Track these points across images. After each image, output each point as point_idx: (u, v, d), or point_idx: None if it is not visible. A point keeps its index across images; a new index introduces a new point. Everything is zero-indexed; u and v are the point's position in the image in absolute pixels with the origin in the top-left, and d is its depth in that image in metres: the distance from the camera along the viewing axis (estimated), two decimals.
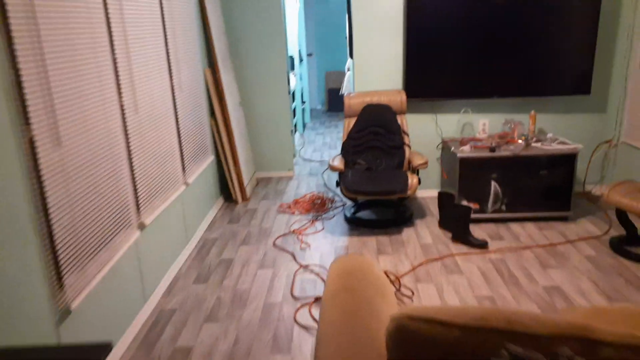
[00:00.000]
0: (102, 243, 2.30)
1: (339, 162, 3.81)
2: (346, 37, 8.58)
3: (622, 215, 3.31)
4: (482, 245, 3.40)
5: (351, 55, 4.65)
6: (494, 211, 3.83)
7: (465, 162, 3.75)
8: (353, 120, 4.15)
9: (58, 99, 1.98)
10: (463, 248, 3.44)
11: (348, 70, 6.44)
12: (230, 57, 5.03)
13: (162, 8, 3.19)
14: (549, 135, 3.89)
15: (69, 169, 2.04)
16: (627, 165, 4.05)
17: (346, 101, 4.13)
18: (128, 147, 2.62)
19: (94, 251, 2.23)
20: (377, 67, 4.25)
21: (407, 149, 4.04)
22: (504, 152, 3.71)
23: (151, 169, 2.91)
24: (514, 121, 4.03)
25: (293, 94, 6.94)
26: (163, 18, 3.20)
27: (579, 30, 3.87)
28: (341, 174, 3.84)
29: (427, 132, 4.37)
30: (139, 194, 2.73)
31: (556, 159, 3.69)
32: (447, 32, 3.98)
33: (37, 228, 1.88)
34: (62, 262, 1.99)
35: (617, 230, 3.59)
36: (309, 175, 5.37)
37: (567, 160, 3.69)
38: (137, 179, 2.70)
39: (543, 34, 3.91)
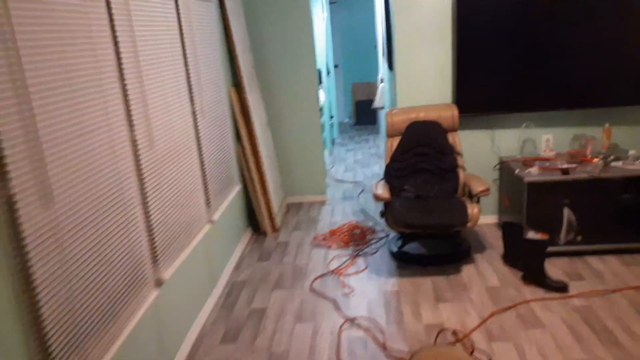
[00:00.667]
0: (110, 316, 1.85)
1: (383, 190, 3.31)
2: (375, 47, 8.11)
3: None
4: (562, 288, 2.85)
5: (390, 67, 4.17)
6: (568, 243, 3.27)
7: (534, 187, 3.21)
8: (397, 140, 3.65)
9: (47, 142, 1.55)
10: (538, 291, 2.89)
11: (381, 82, 5.96)
12: (256, 74, 4.61)
13: (180, 23, 2.77)
14: (632, 152, 3.32)
15: (64, 230, 1.60)
16: None
17: (388, 119, 3.64)
18: (142, 190, 2.19)
19: (99, 329, 1.78)
20: (422, 79, 3.75)
21: (461, 172, 3.52)
22: (580, 174, 3.16)
23: (171, 212, 2.46)
24: (585, 136, 3.47)
25: (321, 109, 6.49)
26: (182, 34, 2.78)
27: None
28: (387, 204, 3.34)
29: (481, 151, 3.85)
30: (156, 245, 2.28)
31: None
32: (503, 36, 3.46)
33: (22, 313, 1.44)
34: (55, 353, 1.54)
35: None
36: (343, 200, 4.89)
37: None
38: (154, 227, 2.26)
39: (615, 34, 3.36)
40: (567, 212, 3.23)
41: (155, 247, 2.27)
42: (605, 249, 3.25)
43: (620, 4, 3.30)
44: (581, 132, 3.70)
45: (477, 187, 3.20)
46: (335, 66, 8.92)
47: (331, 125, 7.58)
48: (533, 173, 3.25)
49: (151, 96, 2.32)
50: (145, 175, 2.20)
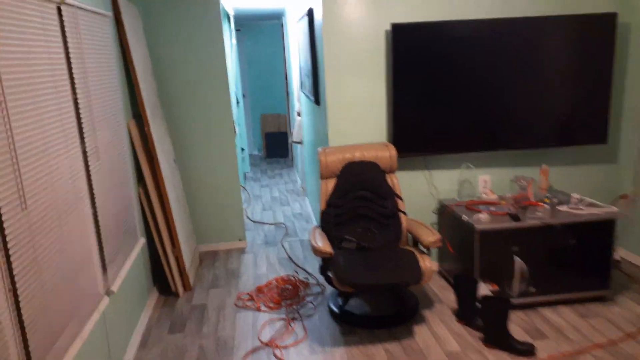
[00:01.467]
0: None
1: (323, 243, 2.84)
2: (285, 77, 7.76)
3: None
4: (529, 351, 2.56)
5: (317, 101, 3.77)
6: (521, 294, 3.04)
7: (485, 235, 2.94)
8: (332, 182, 3.22)
9: None
10: (503, 356, 2.57)
11: (299, 115, 5.57)
12: (160, 104, 3.96)
13: (65, 39, 2.10)
14: (575, 195, 3.20)
15: None
16: None
17: (322, 159, 3.20)
18: (10, 272, 1.48)
19: None
20: (355, 115, 3.39)
21: (403, 218, 3.17)
22: (531, 220, 2.95)
23: (51, 297, 1.76)
24: (526, 178, 3.32)
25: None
26: (67, 54, 2.12)
27: (592, 72, 3.28)
28: (328, 259, 2.86)
29: (418, 193, 3.55)
30: (31, 350, 1.57)
31: (590, 225, 3.00)
32: (442, 74, 3.23)
33: None
34: None
35: None
36: (266, 245, 4.33)
37: (604, 227, 3.01)
38: (27, 324, 1.55)
39: (552, 76, 3.28)
40: (518, 261, 3.00)
41: (30, 352, 1.56)
42: (557, 300, 3.06)
43: (550, 50, 3.22)
44: (518, 172, 3.56)
45: (426, 238, 2.85)
46: (243, 96, 8.42)
47: (242, 159, 7.01)
48: (483, 220, 2.99)
49: (22, 137, 1.64)
50: (13, 250, 1.50)
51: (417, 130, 3.31)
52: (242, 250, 4.24)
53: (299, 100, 5.51)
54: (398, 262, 2.78)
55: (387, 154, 3.23)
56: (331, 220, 3.14)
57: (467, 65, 3.22)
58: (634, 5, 3.37)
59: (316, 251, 2.79)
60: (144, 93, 3.27)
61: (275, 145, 8.55)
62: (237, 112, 7.15)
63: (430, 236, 2.86)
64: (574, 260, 3.05)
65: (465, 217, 3.05)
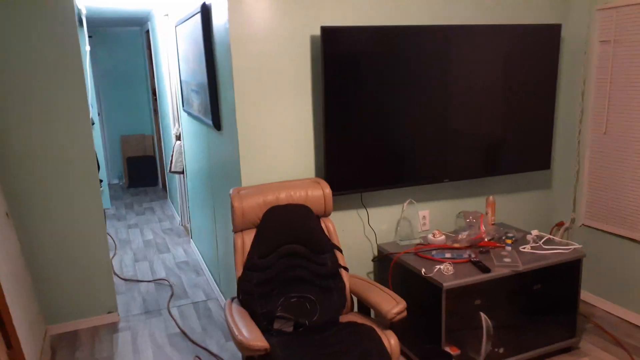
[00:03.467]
0: None
1: (251, 332, 1.97)
2: (154, 92, 6.59)
3: None
4: None
5: (217, 126, 2.89)
6: (488, 357, 2.50)
7: (451, 293, 2.35)
8: (250, 236, 2.38)
9: None
10: None
11: (177, 139, 4.57)
12: None
13: None
14: (535, 232, 2.80)
15: None
16: (591, 252, 3.23)
17: (236, 204, 2.34)
18: None
19: None
20: (274, 144, 2.59)
21: (345, 276, 2.45)
22: (501, 268, 2.44)
23: None
24: (476, 213, 2.84)
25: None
26: None
27: (537, 91, 2.95)
28: (263, 356, 2.00)
29: (354, 238, 2.86)
30: None
31: (556, 267, 2.60)
32: (380, 91, 2.60)
33: None
34: None
35: None
36: (147, 315, 3.27)
37: (570, 268, 2.63)
38: None
39: (497, 98, 2.86)
40: (484, 318, 2.47)
41: None
42: (528, 358, 2.59)
43: (496, 67, 2.81)
44: (457, 205, 3.08)
45: (388, 307, 2.14)
46: (98, 114, 7.02)
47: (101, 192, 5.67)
48: (446, 273, 2.40)
49: None
50: None
51: (355, 161, 2.63)
52: (114, 327, 3.13)
53: (179, 120, 4.51)
54: (360, 348, 2.03)
55: (319, 193, 2.49)
56: (253, 290, 2.29)
57: (411, 80, 2.64)
58: (571, 18, 3.14)
59: (244, 348, 1.91)
60: None
61: (141, 172, 7.27)
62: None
63: (392, 305, 2.16)
64: (539, 309, 2.62)
65: (425, 272, 2.43)
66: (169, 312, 3.31)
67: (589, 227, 3.19)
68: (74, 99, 2.92)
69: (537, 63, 2.90)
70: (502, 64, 2.82)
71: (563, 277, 2.63)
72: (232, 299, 2.32)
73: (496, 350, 2.52)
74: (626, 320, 2.98)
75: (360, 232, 2.87)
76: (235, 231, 2.38)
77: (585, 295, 3.27)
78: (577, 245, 2.64)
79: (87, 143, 3.00)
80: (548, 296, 2.64)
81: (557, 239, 2.78)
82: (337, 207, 2.78)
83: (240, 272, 2.33)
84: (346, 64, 2.49)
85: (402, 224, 2.94)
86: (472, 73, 2.77)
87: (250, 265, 2.32)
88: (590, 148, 3.11)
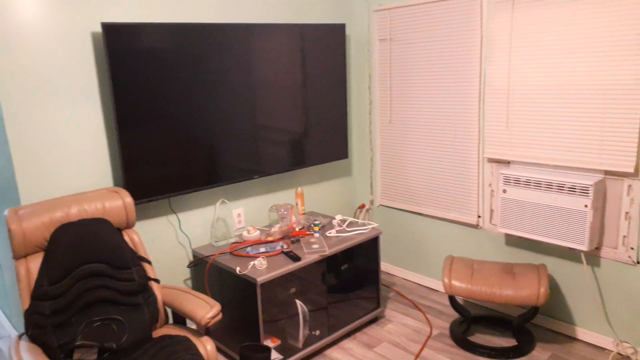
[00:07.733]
0: None
1: None
2: None
3: (454, 301, 2.76)
4: None
5: None
6: (306, 342, 2.63)
7: (267, 287, 2.39)
8: (37, 261, 2.08)
9: None
10: None
11: None
12: None
13: None
14: (339, 217, 3.00)
15: None
16: (387, 228, 3.62)
17: (14, 227, 2.02)
18: None
19: None
20: (60, 153, 2.30)
21: (156, 288, 2.32)
22: (310, 255, 2.57)
23: None
24: (286, 205, 2.94)
25: None
26: None
27: (330, 86, 3.16)
28: None
29: (165, 246, 2.72)
30: None
31: (359, 247, 2.84)
32: (172, 90, 2.50)
33: None
34: None
35: (438, 318, 3.05)
36: None
37: (370, 245, 2.90)
38: None
39: (293, 92, 2.99)
40: (300, 305, 2.59)
41: None
42: (341, 335, 2.79)
43: (287, 63, 2.93)
44: (269, 199, 3.16)
45: (201, 314, 2.09)
46: None
47: None
48: (260, 268, 2.44)
49: None
50: None
51: (158, 165, 2.49)
52: None
53: None
54: None
55: (119, 203, 2.30)
56: (45, 322, 2.01)
57: (211, 78, 2.59)
58: (353, 18, 3.42)
59: None
60: None
61: None
62: None
63: (206, 309, 2.11)
64: (348, 287, 2.85)
65: (240, 270, 2.43)
66: None
67: (385, 206, 3.57)
68: None
69: (328, 60, 3.11)
70: (298, 61, 2.95)
71: (365, 254, 2.90)
72: (20, 336, 2.01)
73: (313, 333, 2.66)
74: (420, 285, 3.42)
75: (172, 239, 2.74)
76: (16, 258, 2.06)
77: (386, 267, 3.66)
78: (374, 225, 2.93)
79: None
80: (354, 274, 2.88)
81: (359, 220, 3.05)
82: (144, 215, 2.61)
83: (27, 303, 2.02)
84: (136, 62, 2.33)
85: (217, 225, 2.89)
86: (271, 70, 2.84)
87: (39, 295, 2.03)
88: (380, 136, 3.47)
